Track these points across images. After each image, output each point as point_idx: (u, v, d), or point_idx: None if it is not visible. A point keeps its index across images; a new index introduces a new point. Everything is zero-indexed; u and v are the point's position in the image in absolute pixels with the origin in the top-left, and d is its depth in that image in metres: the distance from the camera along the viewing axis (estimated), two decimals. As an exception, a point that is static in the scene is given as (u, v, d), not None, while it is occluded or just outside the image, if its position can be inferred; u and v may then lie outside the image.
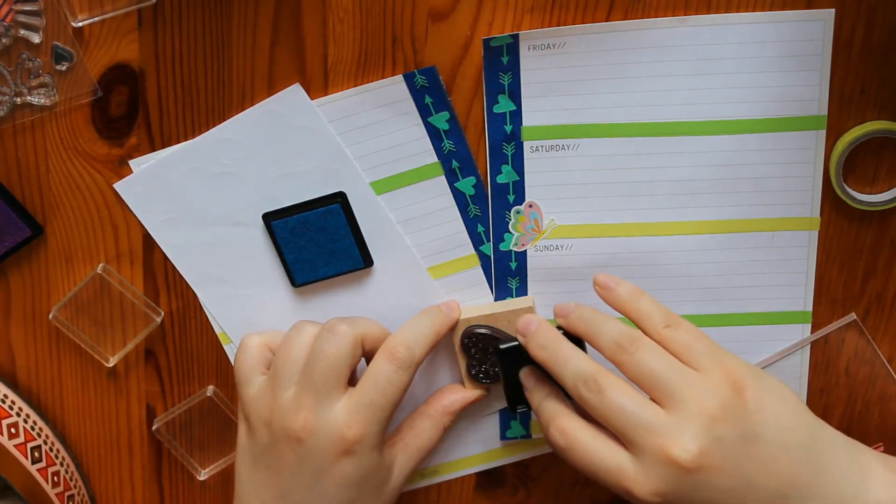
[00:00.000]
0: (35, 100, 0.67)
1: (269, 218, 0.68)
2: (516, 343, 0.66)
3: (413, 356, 0.65)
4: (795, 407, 0.61)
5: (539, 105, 0.67)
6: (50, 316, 0.71)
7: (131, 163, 0.68)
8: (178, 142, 0.68)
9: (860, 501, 0.59)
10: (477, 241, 0.70)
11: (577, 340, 0.64)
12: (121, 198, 0.69)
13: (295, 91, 0.67)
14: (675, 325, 0.62)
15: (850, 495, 0.60)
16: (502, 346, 0.67)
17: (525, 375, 0.66)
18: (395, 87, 0.67)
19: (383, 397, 0.63)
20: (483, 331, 0.68)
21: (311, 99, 0.67)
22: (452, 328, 0.69)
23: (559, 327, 0.65)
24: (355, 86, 0.67)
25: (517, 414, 0.68)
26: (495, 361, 0.69)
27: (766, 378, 0.61)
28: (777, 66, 0.65)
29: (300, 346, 0.65)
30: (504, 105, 0.67)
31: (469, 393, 0.70)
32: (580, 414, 0.63)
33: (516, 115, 0.67)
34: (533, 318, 0.65)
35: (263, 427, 0.65)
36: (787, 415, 0.60)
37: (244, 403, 0.66)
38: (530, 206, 0.69)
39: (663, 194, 0.68)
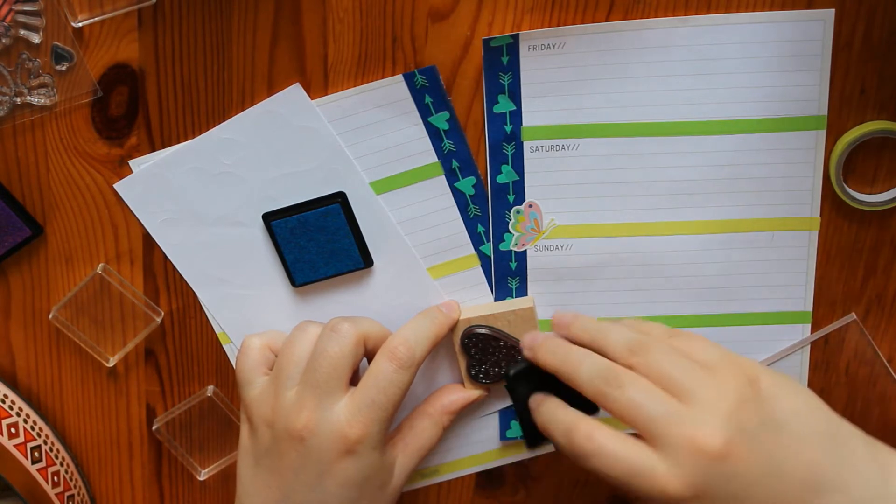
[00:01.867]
0: (35, 100, 0.67)
1: (269, 218, 0.68)
2: (527, 364, 0.64)
3: (413, 356, 0.65)
4: (811, 399, 0.60)
5: (539, 105, 0.67)
6: (50, 316, 0.71)
7: (131, 163, 0.68)
8: (178, 142, 0.68)
9: (883, 495, 0.58)
10: (477, 241, 0.70)
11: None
12: (121, 198, 0.69)
13: (295, 91, 0.67)
14: (679, 335, 0.62)
15: (873, 488, 0.58)
16: (513, 371, 0.64)
17: (533, 399, 0.64)
18: (395, 87, 0.67)
19: (384, 397, 0.63)
20: (483, 331, 0.68)
21: (311, 99, 0.67)
22: (452, 328, 0.69)
23: None
24: (355, 86, 0.67)
25: (536, 449, 0.67)
26: (495, 361, 0.69)
27: (777, 372, 0.61)
28: (777, 66, 0.65)
29: (303, 346, 0.65)
30: (504, 105, 0.67)
31: (469, 393, 0.70)
32: None
33: (516, 115, 0.67)
34: (538, 332, 0.64)
35: (266, 427, 0.65)
36: (803, 405, 0.59)
37: (246, 405, 0.66)
38: (530, 206, 0.69)
39: (663, 194, 0.68)
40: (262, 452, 0.65)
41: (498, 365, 0.69)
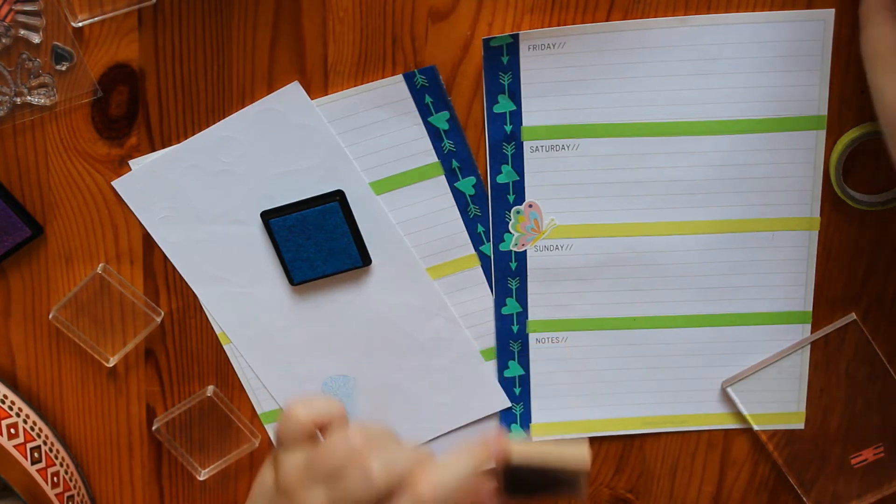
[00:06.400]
0: (35, 100, 0.67)
1: (267, 216, 0.68)
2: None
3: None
4: None
5: (539, 105, 0.67)
6: (50, 316, 0.71)
7: (131, 163, 0.68)
8: (179, 142, 0.68)
9: None
10: (477, 241, 0.70)
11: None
12: (121, 198, 0.69)
13: (294, 89, 0.67)
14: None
15: None
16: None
17: None
18: (395, 87, 0.67)
19: None
20: (527, 469, 0.57)
21: (311, 99, 0.67)
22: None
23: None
24: (355, 86, 0.67)
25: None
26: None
27: None
28: (777, 66, 0.65)
29: (340, 454, 0.57)
30: (504, 105, 0.67)
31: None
32: None
33: (516, 115, 0.67)
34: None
35: (284, 493, 0.58)
36: None
37: (279, 462, 0.59)
38: (530, 206, 0.69)
39: (663, 194, 0.68)
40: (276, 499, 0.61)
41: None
